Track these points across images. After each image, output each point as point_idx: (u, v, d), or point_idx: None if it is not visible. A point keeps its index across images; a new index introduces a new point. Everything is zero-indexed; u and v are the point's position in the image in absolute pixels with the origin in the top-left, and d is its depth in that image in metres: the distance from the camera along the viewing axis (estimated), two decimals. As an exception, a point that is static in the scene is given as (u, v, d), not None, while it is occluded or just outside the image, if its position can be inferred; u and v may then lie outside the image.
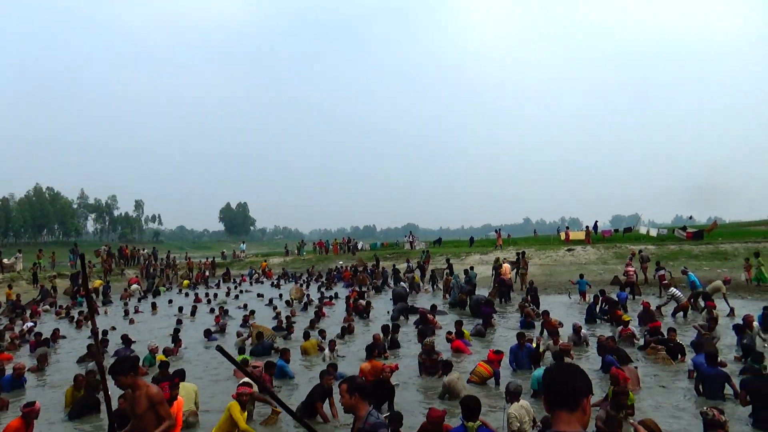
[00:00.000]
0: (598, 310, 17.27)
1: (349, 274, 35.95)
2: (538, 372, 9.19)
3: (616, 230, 42.33)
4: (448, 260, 31.09)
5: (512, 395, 7.36)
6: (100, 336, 15.53)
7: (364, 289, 28.78)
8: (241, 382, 8.15)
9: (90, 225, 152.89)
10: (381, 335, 13.41)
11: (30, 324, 19.15)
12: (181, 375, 8.92)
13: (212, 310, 22.51)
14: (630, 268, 23.02)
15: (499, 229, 41.62)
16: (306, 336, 14.81)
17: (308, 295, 25.59)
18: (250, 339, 14.97)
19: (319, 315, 18.95)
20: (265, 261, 45.82)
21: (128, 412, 5.01)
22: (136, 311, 23.75)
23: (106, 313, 24.83)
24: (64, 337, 17.51)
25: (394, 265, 37.26)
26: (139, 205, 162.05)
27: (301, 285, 31.37)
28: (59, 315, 23.28)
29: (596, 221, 42.42)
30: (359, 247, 51.48)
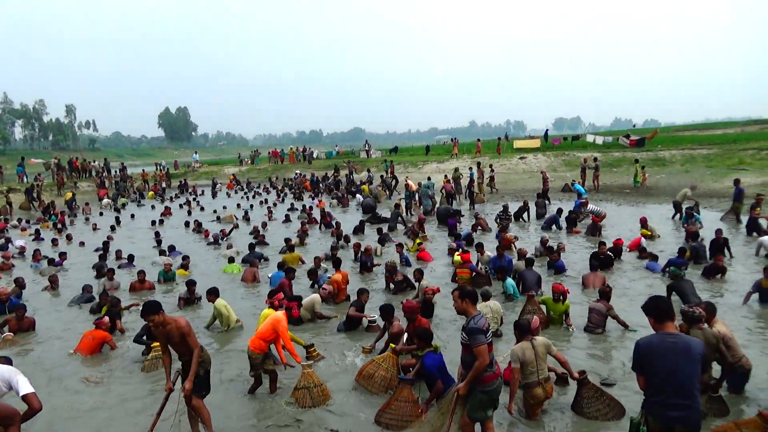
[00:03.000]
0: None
1: (309, 184, 36.56)
2: (509, 281, 10.85)
3: (565, 138, 44.23)
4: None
5: (483, 296, 8.73)
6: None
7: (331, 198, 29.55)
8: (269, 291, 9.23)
9: (18, 132, 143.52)
10: (372, 247, 14.35)
11: (21, 242, 19.09)
12: (215, 292, 9.69)
13: (187, 224, 22.98)
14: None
15: (455, 138, 42.64)
16: (291, 249, 15.68)
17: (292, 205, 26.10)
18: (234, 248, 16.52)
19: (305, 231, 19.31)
20: (233, 176, 45.20)
21: (163, 340, 5.75)
22: (116, 225, 23.77)
23: (72, 223, 25.02)
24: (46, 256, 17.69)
25: (349, 174, 38.14)
26: (70, 110, 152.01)
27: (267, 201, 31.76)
28: (24, 231, 23.00)
29: (546, 129, 44.08)
30: (314, 155, 51.64)
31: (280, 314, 7.29)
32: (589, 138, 42.08)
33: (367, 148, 50.27)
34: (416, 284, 10.83)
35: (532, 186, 28.08)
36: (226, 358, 8.45)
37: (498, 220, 18.48)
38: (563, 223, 18.26)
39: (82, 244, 19.60)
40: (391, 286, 11.57)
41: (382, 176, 33.77)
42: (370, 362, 7.32)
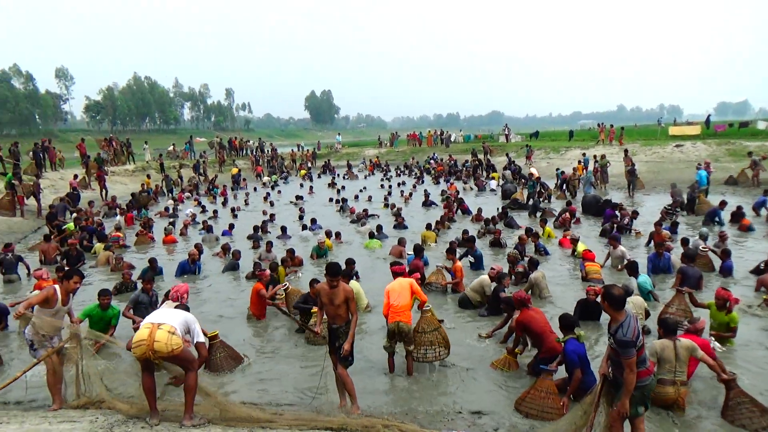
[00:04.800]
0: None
1: (442, 168, 36.65)
2: (641, 279, 9.83)
3: (731, 125, 39.73)
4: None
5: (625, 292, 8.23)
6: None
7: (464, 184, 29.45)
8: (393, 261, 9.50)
9: (186, 113, 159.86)
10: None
11: (191, 210, 21.84)
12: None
13: (331, 200, 24.30)
14: None
15: (602, 123, 40.13)
16: (428, 227, 16.06)
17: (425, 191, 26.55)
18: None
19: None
20: (377, 158, 47.05)
21: (327, 300, 6.14)
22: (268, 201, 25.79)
23: (235, 197, 27.61)
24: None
25: (489, 159, 37.59)
26: (229, 93, 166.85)
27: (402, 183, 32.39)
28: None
29: (709, 115, 39.92)
30: (452, 139, 51.54)
31: (411, 279, 7.51)
32: (761, 125, 37.38)
33: (506, 132, 49.15)
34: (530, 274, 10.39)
35: (688, 177, 25.40)
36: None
37: (666, 214, 16.97)
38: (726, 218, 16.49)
39: (234, 215, 21.62)
40: (512, 277, 10.98)
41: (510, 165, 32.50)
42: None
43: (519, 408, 6.17)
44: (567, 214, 17.35)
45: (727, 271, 11.20)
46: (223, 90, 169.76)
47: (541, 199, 21.63)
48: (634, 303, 8.31)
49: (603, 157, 27.38)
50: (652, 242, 13.21)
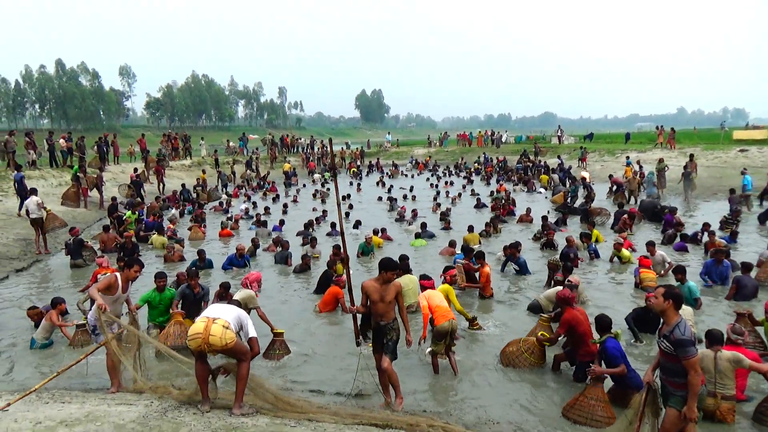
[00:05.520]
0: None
1: (491, 168, 36.23)
2: (689, 284, 9.41)
3: (803, 129, 37.65)
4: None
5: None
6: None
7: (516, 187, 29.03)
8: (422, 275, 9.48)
9: (240, 111, 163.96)
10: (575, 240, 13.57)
11: (245, 205, 22.51)
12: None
13: (380, 198, 24.38)
14: None
15: (661, 126, 38.72)
16: (470, 229, 15.90)
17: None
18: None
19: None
20: (429, 157, 47.06)
21: (377, 297, 6.12)
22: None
23: (286, 194, 28.14)
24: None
25: (540, 161, 36.92)
26: (282, 91, 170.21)
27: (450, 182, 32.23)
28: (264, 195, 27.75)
29: (778, 118, 37.78)
30: (503, 140, 50.89)
31: (447, 285, 7.99)
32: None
33: (559, 134, 48.15)
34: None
35: (755, 184, 24.15)
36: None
37: (724, 223, 16.35)
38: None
39: (285, 211, 22.06)
40: (552, 283, 10.56)
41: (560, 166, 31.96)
42: (514, 341, 7.66)
43: (567, 415, 6.06)
44: (626, 216, 16.81)
45: None
46: (276, 88, 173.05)
47: (585, 202, 21.01)
48: (684, 312, 7.97)
49: (661, 161, 26.44)
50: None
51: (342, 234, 7.12)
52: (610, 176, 26.51)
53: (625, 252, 12.92)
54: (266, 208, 22.38)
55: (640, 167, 26.20)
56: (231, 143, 45.03)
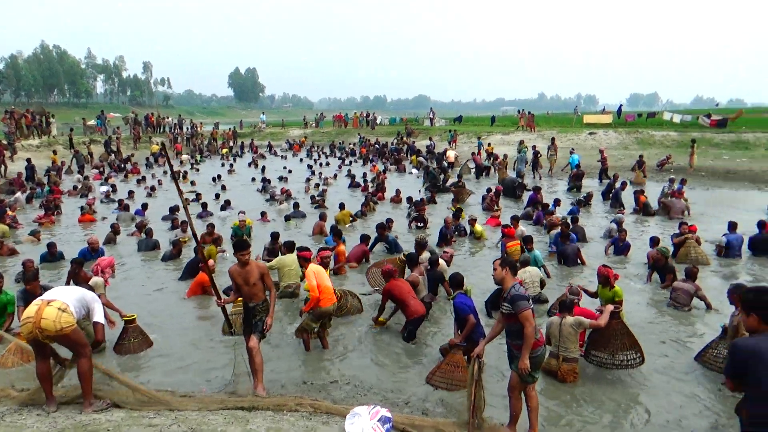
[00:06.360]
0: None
1: (365, 150, 36.71)
2: (535, 253, 10.33)
3: (640, 115, 42.20)
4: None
5: (522, 263, 9.17)
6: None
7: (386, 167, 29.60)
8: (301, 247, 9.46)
9: (99, 86, 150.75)
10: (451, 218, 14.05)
11: (105, 188, 20.79)
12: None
13: (253, 179, 23.74)
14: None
15: (523, 109, 41.55)
16: (341, 206, 16.12)
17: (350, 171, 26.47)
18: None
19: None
20: (305, 137, 46.48)
21: (241, 281, 6.01)
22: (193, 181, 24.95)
23: (153, 176, 26.36)
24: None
25: (413, 142, 38.07)
26: (147, 67, 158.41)
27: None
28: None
29: (620, 105, 42.19)
30: (378, 121, 51.66)
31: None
32: (666, 116, 39.91)
33: (431, 116, 49.81)
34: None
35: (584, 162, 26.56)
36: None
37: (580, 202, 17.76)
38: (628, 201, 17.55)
39: (149, 194, 20.97)
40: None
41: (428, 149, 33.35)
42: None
43: (431, 381, 6.38)
44: (492, 194, 17.85)
45: (621, 250, 12.14)
46: (140, 63, 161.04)
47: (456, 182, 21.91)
48: (530, 273, 9.04)
49: (522, 143, 28.35)
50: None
51: (188, 217, 6.93)
52: (472, 154, 28.36)
53: (478, 227, 13.80)
54: (130, 192, 20.88)
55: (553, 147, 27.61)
56: (89, 122, 41.27)
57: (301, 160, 34.48)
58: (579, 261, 11.40)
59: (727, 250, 11.74)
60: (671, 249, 11.30)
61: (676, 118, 37.83)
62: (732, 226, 12.12)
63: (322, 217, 14.61)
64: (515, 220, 12.96)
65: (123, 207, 17.35)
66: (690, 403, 6.02)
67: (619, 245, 12.18)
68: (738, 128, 32.38)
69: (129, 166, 28.96)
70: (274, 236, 11.76)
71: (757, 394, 3.27)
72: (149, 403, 5.24)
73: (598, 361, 6.67)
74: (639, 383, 6.47)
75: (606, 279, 7.91)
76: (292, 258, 9.32)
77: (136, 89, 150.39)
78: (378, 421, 4.41)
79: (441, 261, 9.58)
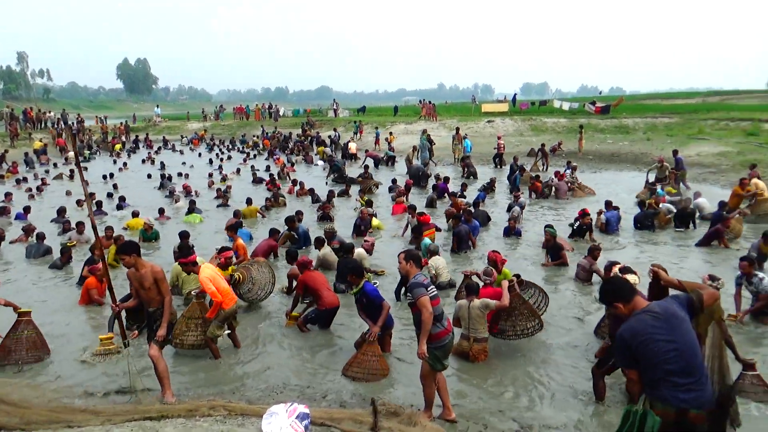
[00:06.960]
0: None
1: (269, 142, 35.95)
2: (424, 241, 10.66)
3: (533, 103, 44.50)
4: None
5: (431, 252, 9.74)
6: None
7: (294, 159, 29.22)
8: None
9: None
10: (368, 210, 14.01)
11: None
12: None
13: (149, 176, 22.51)
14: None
15: (424, 99, 42.44)
16: (248, 202, 15.89)
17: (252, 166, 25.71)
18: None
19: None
20: (204, 131, 44.61)
21: (137, 285, 5.77)
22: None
23: (36, 176, 24.24)
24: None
25: (317, 133, 37.74)
26: (22, 57, 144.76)
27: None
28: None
29: (515, 94, 44.22)
30: (281, 113, 50.70)
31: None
32: (556, 104, 42.44)
33: (334, 107, 49.63)
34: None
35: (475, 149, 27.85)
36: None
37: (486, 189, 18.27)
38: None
39: (31, 196, 19.25)
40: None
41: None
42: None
43: (346, 373, 6.38)
44: (402, 187, 17.99)
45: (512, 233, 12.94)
46: (14, 54, 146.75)
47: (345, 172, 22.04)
48: (438, 260, 9.55)
49: (425, 131, 28.93)
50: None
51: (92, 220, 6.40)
52: (366, 151, 28.51)
53: (375, 220, 13.87)
54: (7, 194, 19.07)
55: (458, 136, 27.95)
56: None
57: (200, 154, 33.21)
58: (470, 244, 11.88)
59: (606, 226, 12.96)
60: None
61: (565, 106, 40.28)
62: (608, 204, 13.50)
63: (236, 214, 14.02)
64: (413, 210, 13.16)
65: (2, 211, 15.79)
66: (586, 372, 6.41)
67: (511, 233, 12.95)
68: (619, 114, 35.02)
69: (5, 165, 26.42)
70: (183, 235, 11.15)
71: (650, 366, 3.28)
72: (44, 423, 4.81)
73: (502, 332, 7.03)
74: (542, 359, 6.84)
75: (494, 263, 8.24)
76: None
77: (10, 82, 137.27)
78: (296, 418, 4.31)
79: (360, 249, 9.80)
